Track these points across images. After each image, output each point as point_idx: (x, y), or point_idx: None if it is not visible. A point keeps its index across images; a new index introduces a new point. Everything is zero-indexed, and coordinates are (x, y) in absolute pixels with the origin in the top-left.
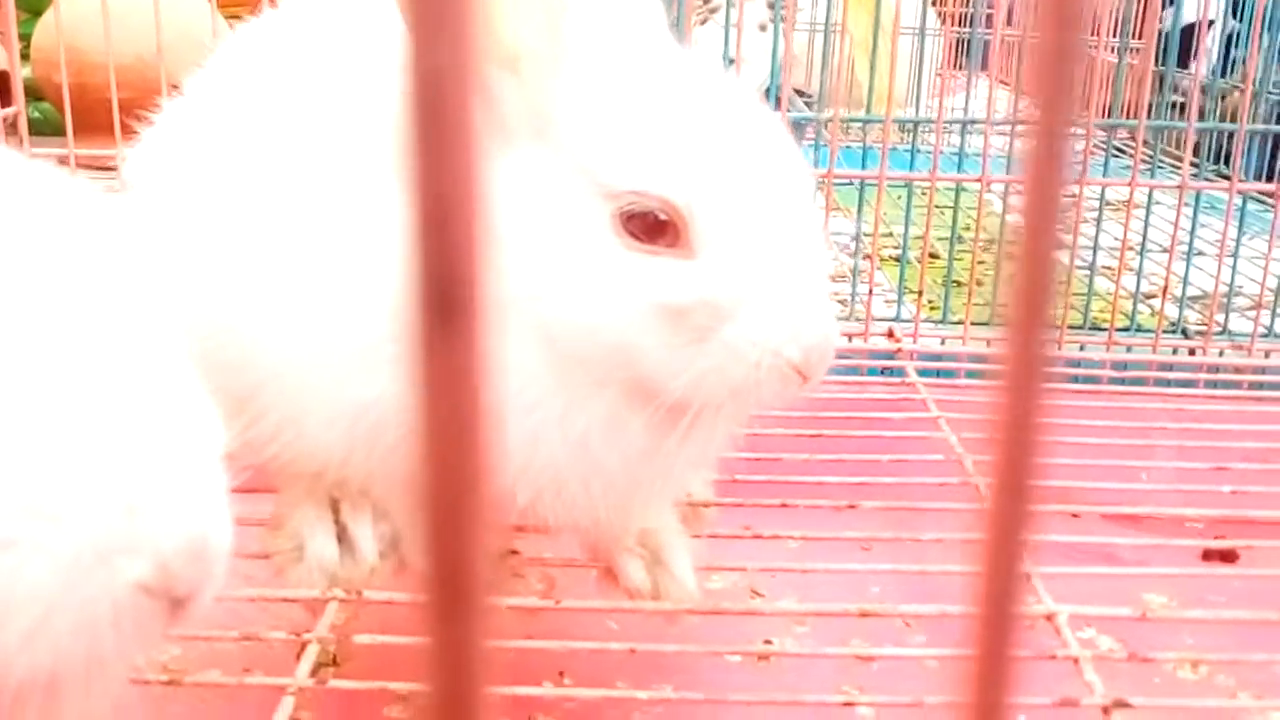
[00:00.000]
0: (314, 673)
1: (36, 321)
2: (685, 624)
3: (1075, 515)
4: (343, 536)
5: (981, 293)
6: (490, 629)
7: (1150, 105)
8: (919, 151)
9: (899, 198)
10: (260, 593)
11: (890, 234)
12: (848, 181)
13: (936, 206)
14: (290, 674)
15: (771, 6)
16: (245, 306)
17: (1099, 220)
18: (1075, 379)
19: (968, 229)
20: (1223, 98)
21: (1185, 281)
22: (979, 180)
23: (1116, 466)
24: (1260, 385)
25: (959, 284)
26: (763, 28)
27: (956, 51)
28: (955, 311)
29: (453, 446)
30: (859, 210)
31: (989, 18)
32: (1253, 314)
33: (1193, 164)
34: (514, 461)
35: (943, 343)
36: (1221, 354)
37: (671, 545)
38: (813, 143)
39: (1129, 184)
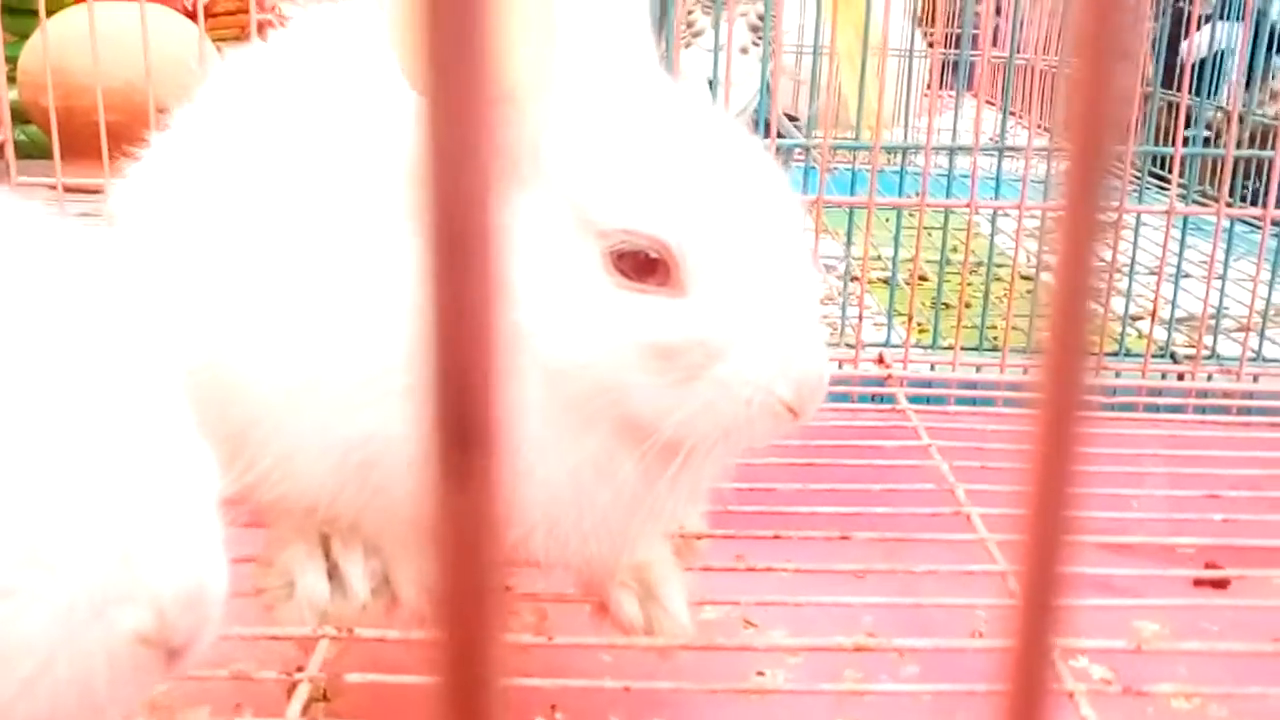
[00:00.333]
0: (305, 711)
1: (31, 366)
2: (679, 659)
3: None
4: (334, 574)
5: (970, 316)
6: None
7: (1137, 126)
8: (908, 173)
9: (888, 220)
10: (251, 630)
11: (879, 257)
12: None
13: (925, 228)
14: (281, 713)
15: (755, 30)
16: (234, 342)
17: None
18: None
19: (956, 251)
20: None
21: (1174, 304)
22: (967, 206)
23: (1108, 495)
24: (1249, 410)
25: (948, 306)
26: (744, 51)
27: (944, 73)
28: (945, 335)
29: (469, 586)
30: (848, 233)
31: (975, 39)
32: (1240, 336)
33: (1180, 186)
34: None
35: (933, 368)
36: (1210, 378)
37: (664, 579)
38: (802, 166)
39: (1117, 208)
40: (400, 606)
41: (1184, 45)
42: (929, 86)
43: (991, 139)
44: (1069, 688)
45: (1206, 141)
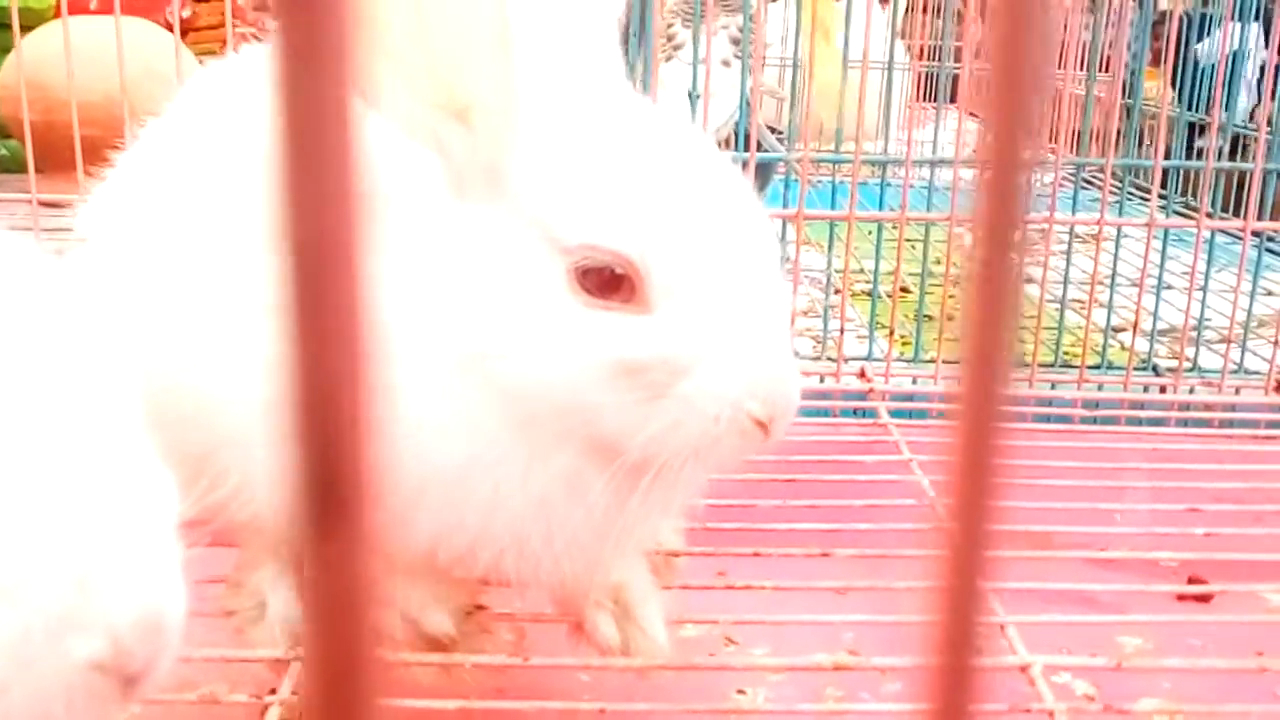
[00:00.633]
0: None
1: None
2: (658, 679)
3: (1049, 558)
4: None
5: (953, 328)
6: None
7: (1118, 139)
8: (889, 185)
9: (870, 232)
10: (222, 653)
11: (861, 270)
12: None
13: (907, 240)
14: None
15: (736, 43)
16: (199, 363)
17: (1068, 254)
18: (1048, 419)
19: (938, 263)
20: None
21: (1155, 316)
22: (948, 219)
23: (1090, 509)
24: (1231, 423)
25: (930, 318)
26: (726, 64)
27: (925, 85)
28: (927, 348)
29: (341, 649)
30: (829, 246)
31: (958, 51)
32: (1222, 347)
33: (1161, 197)
34: (474, 521)
35: (914, 382)
36: (1192, 391)
37: (642, 599)
38: (783, 179)
39: (1097, 221)
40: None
41: (1198, 48)
42: (911, 99)
43: (974, 151)
44: (1049, 706)
45: (1231, 153)
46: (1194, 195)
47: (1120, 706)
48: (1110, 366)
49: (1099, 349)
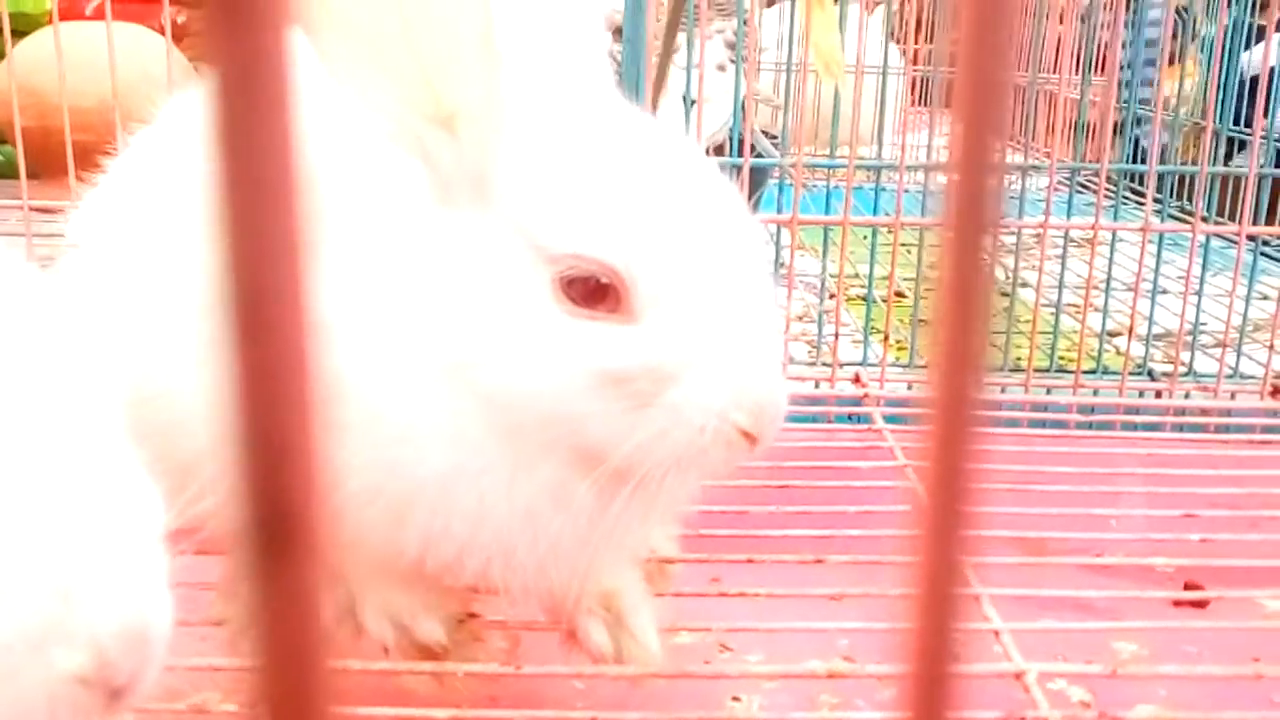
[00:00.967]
0: None
1: None
2: (652, 686)
3: (1044, 564)
4: None
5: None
6: None
7: (1114, 142)
8: (884, 190)
9: (864, 237)
10: (211, 661)
11: (856, 275)
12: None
13: (902, 245)
14: None
15: (731, 47)
16: (184, 372)
17: (1064, 259)
18: (1043, 424)
19: (933, 268)
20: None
21: (1150, 320)
22: (941, 225)
23: (1085, 515)
24: (1226, 428)
25: (925, 323)
26: (721, 68)
27: (920, 89)
28: (922, 353)
29: (287, 675)
30: (824, 250)
31: (953, 55)
32: (1217, 352)
33: (1156, 201)
34: (461, 529)
35: (909, 387)
36: (1188, 395)
37: (634, 606)
38: (778, 184)
39: (1092, 226)
40: (365, 636)
41: (1243, 59)
42: (906, 104)
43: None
44: (1044, 713)
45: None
46: (1189, 200)
47: (1116, 713)
48: (1105, 371)
49: (1094, 354)
